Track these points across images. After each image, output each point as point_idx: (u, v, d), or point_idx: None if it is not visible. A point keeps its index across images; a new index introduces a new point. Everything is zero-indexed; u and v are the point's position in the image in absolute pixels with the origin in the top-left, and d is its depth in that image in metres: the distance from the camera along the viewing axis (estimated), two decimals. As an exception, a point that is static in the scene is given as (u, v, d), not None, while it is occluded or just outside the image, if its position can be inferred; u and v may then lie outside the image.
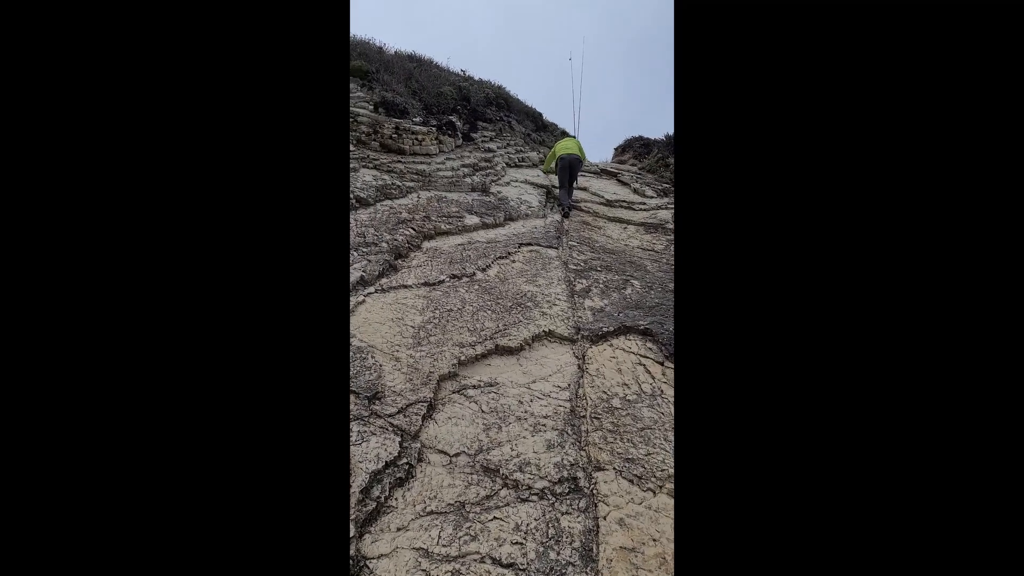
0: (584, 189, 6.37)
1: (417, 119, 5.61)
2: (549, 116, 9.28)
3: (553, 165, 5.56)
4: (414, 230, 3.79)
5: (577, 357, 2.46)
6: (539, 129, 8.48)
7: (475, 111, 6.95)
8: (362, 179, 4.42)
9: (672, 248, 4.63)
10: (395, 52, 7.20)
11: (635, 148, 9.68)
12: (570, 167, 5.47)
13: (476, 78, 8.29)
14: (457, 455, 1.72)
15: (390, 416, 1.83)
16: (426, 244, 3.73)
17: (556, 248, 4.01)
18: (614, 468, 1.71)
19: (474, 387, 2.11)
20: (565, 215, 5.11)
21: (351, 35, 7.11)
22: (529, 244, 3.97)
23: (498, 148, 6.54)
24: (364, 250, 3.14)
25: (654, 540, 1.42)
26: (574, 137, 5.93)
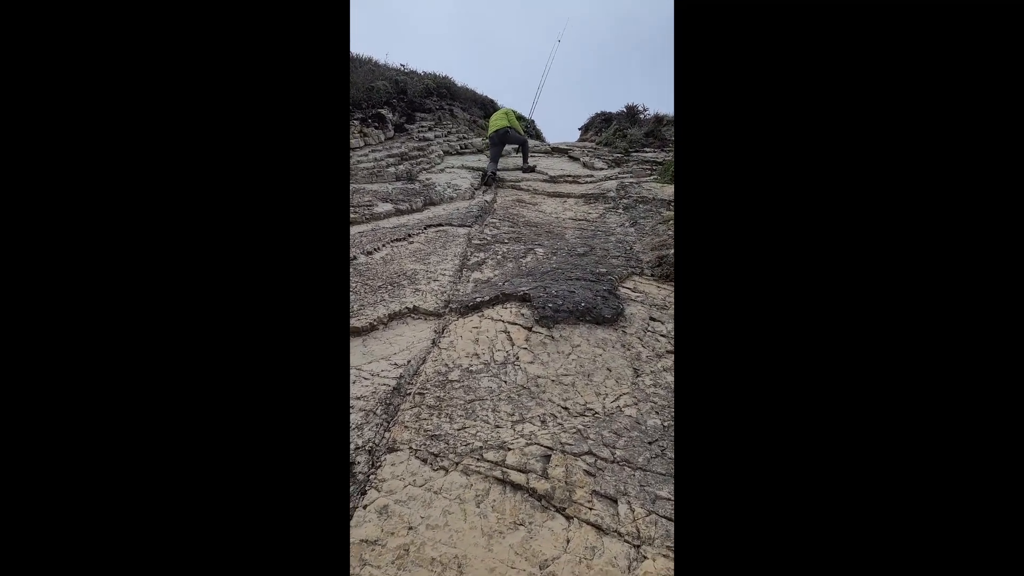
0: (531, 169, 6.10)
1: (339, 114, 5.39)
2: (505, 102, 9.01)
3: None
4: (310, 223, 3.57)
5: (436, 332, 2.21)
6: (489, 116, 8.21)
7: (412, 102, 6.72)
8: (268, 179, 4.22)
9: (609, 216, 4.37)
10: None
11: (596, 125, 9.39)
12: (501, 141, 5.44)
13: (419, 71, 8.07)
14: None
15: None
16: (321, 235, 3.51)
17: (469, 226, 3.75)
18: (411, 447, 1.46)
19: (293, 374, 1.87)
20: (486, 184, 5.02)
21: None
22: (438, 225, 3.72)
23: (435, 137, 6.30)
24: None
25: (409, 528, 1.16)
26: (502, 109, 5.76)
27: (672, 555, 1.09)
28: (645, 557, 1.09)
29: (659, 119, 8.05)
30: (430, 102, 7.05)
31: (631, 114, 8.68)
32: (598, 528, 1.17)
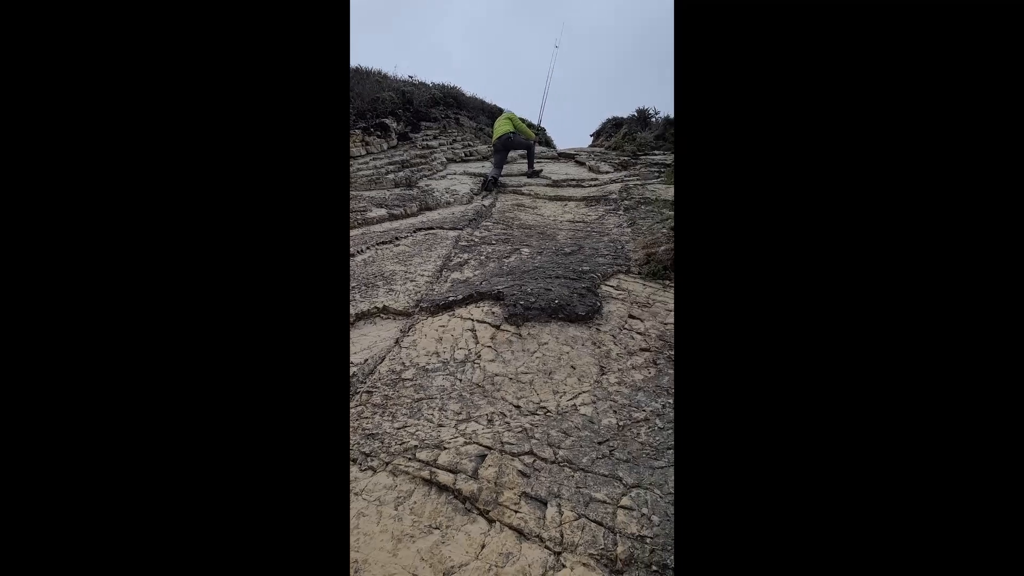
0: (536, 173, 6.04)
1: (342, 124, 5.46)
2: (514, 110, 9.02)
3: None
4: (300, 228, 3.57)
5: (402, 331, 2.14)
6: (497, 123, 8.20)
7: (418, 112, 6.77)
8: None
9: (607, 218, 4.25)
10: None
11: (607, 130, 9.30)
12: (504, 148, 5.43)
13: (428, 83, 8.14)
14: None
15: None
16: (310, 240, 3.51)
17: (460, 229, 3.70)
18: (343, 447, 1.38)
19: (246, 373, 1.82)
20: (487, 189, 4.99)
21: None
22: (428, 228, 3.68)
23: (439, 145, 6.32)
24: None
25: (316, 530, 1.08)
26: (505, 114, 5.74)
27: (593, 564, 0.97)
28: (563, 565, 0.98)
29: (670, 122, 7.91)
30: (436, 111, 7.09)
31: (642, 118, 8.56)
32: (519, 532, 1.06)
